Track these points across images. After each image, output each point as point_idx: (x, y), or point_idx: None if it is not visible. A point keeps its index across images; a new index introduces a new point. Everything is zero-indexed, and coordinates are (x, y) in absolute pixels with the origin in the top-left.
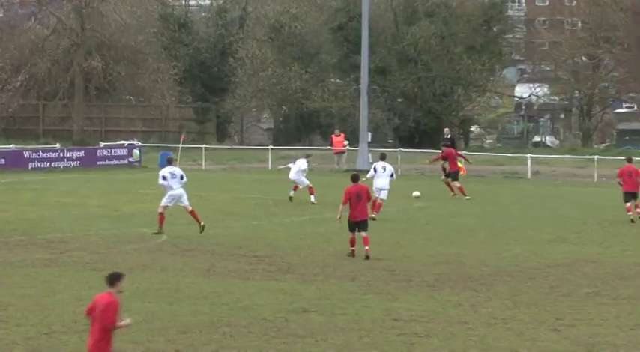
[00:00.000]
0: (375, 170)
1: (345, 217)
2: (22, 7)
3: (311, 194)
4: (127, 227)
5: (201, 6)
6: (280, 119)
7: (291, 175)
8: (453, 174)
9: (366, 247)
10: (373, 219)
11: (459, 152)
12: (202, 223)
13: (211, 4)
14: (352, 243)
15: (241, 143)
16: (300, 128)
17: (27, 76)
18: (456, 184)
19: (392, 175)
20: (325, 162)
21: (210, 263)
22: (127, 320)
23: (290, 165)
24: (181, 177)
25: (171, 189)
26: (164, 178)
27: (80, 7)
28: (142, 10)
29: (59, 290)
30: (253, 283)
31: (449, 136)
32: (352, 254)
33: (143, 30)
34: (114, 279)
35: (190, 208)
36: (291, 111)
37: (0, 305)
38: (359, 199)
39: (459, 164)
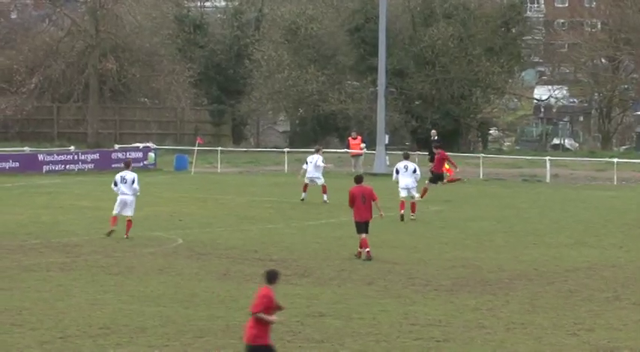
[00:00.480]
0: (398, 171)
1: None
2: (36, 9)
3: (323, 192)
4: (141, 230)
5: (216, 7)
6: (297, 121)
7: (310, 173)
8: (436, 175)
9: (362, 249)
10: (410, 218)
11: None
12: (127, 236)
13: (227, 5)
14: (363, 244)
15: (257, 146)
16: (317, 130)
17: (41, 78)
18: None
19: (415, 171)
20: (342, 165)
21: (225, 267)
22: (274, 317)
23: (304, 166)
24: (132, 182)
25: (121, 194)
26: (115, 184)
27: (94, 9)
28: (156, 11)
29: (74, 294)
30: None
31: (436, 138)
32: (368, 256)
33: (158, 32)
34: (272, 277)
35: (129, 219)
36: (308, 114)
37: (15, 309)
38: (364, 201)
39: (446, 166)
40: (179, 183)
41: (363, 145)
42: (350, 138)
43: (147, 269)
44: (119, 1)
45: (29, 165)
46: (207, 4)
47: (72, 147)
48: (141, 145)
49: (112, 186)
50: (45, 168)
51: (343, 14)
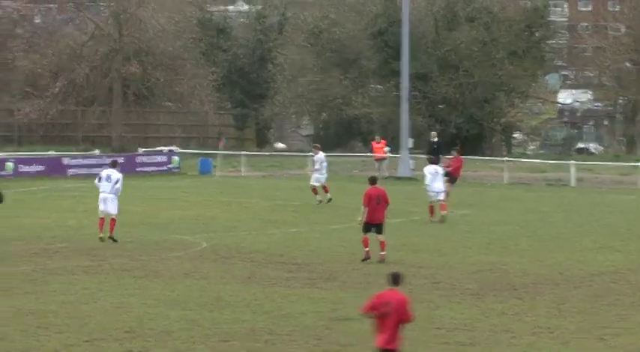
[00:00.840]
0: (430, 174)
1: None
2: (60, 13)
3: (326, 191)
4: (166, 234)
5: (239, 11)
6: (320, 125)
7: (322, 172)
8: (453, 177)
9: (382, 252)
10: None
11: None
12: (110, 235)
13: (250, 9)
14: (365, 243)
15: (281, 149)
16: (341, 134)
17: (65, 82)
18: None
19: (445, 174)
20: (366, 169)
21: (250, 271)
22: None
23: (315, 166)
24: (116, 182)
25: (102, 191)
26: (99, 179)
27: (118, 13)
28: (180, 15)
29: (99, 298)
30: (294, 291)
31: (436, 139)
32: (367, 255)
33: (181, 35)
34: (398, 279)
35: (113, 216)
36: (331, 118)
37: (40, 312)
38: (378, 202)
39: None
40: (203, 186)
41: (386, 149)
42: (374, 142)
43: (172, 273)
44: (142, 5)
45: (54, 169)
46: (231, 7)
47: (97, 151)
48: (165, 149)
49: (96, 181)
50: (70, 171)
51: (366, 18)
